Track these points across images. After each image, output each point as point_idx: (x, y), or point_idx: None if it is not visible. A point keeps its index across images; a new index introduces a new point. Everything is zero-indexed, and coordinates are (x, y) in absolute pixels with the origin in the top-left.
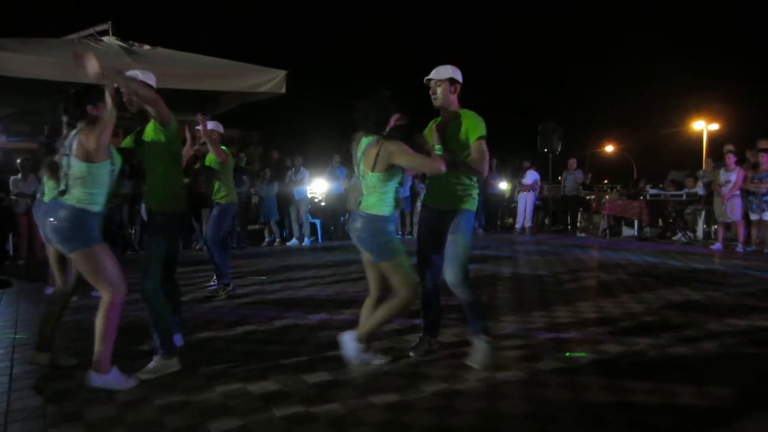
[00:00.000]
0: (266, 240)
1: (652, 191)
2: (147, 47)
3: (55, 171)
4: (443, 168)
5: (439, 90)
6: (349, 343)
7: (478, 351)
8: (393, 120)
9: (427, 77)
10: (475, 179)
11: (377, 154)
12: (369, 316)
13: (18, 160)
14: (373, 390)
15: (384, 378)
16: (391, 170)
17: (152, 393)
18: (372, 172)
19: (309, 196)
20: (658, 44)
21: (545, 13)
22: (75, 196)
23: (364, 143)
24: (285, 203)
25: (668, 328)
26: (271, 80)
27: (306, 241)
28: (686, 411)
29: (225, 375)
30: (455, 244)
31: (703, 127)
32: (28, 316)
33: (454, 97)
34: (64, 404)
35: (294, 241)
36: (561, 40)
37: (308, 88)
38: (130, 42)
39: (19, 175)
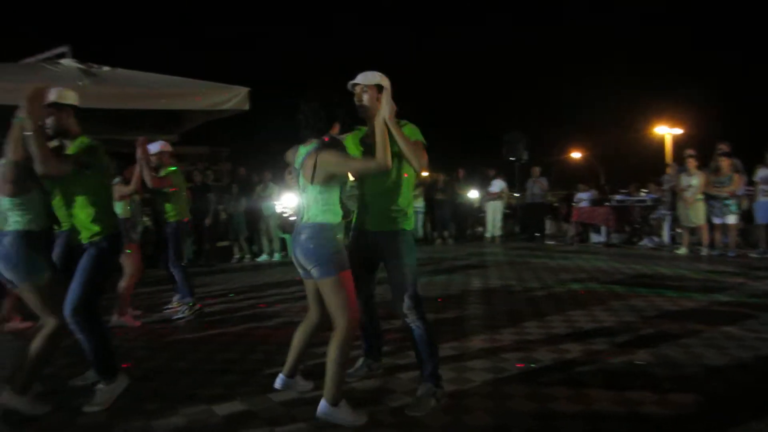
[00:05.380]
0: (236, 257)
1: (618, 197)
2: (106, 68)
3: None
4: (387, 163)
5: (365, 96)
6: (325, 411)
7: (419, 401)
8: (336, 127)
9: (352, 81)
10: (407, 200)
11: (314, 166)
12: (327, 369)
13: None
14: None
15: (349, 394)
16: (331, 181)
17: (114, 418)
18: (311, 184)
19: (278, 211)
20: (621, 53)
21: (513, 24)
22: (12, 220)
23: (302, 153)
24: (254, 219)
25: (634, 336)
26: (234, 97)
27: (276, 257)
28: (649, 419)
29: (190, 397)
30: (399, 270)
31: (665, 131)
32: None
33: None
34: None
35: (264, 257)
36: (527, 49)
37: (277, 104)
38: (89, 64)
39: None
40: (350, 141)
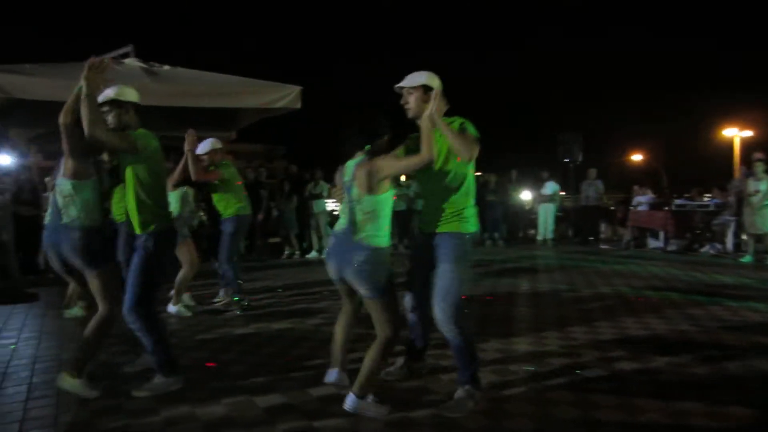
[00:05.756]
0: (286, 252)
1: (679, 201)
2: (167, 67)
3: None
4: (431, 156)
5: (411, 99)
6: (353, 403)
7: (457, 403)
8: (383, 141)
9: (397, 85)
10: (463, 201)
11: (368, 174)
12: (361, 367)
13: (46, 179)
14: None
15: (387, 393)
16: (385, 187)
17: (160, 404)
18: (368, 195)
19: (328, 208)
20: (686, 48)
21: (576, 25)
22: (71, 216)
23: (350, 167)
24: (305, 216)
25: (689, 346)
26: (286, 96)
27: (325, 254)
28: None
29: (232, 387)
30: (443, 276)
31: (735, 134)
32: (52, 328)
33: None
34: (77, 414)
35: (313, 254)
36: (585, 48)
37: (334, 103)
38: (151, 63)
39: (49, 193)
40: (402, 151)
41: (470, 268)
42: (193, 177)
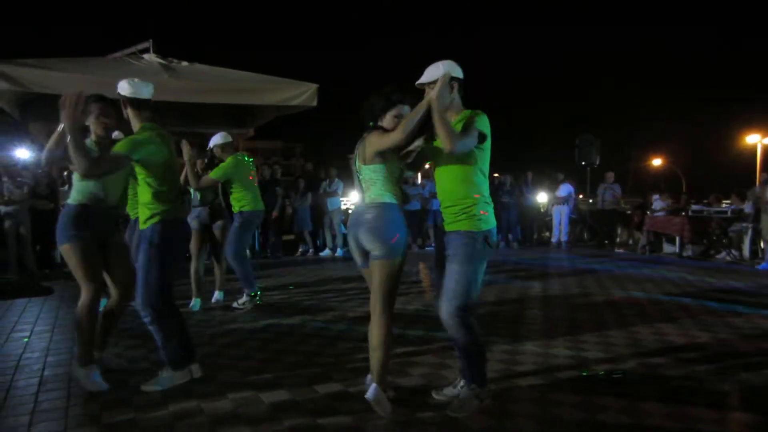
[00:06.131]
0: (300, 250)
1: (695, 207)
2: (185, 63)
3: None
4: (402, 136)
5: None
6: (374, 392)
7: (461, 402)
8: (388, 115)
9: (418, 82)
10: (477, 194)
11: (364, 147)
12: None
13: (65, 173)
14: None
15: (393, 391)
16: (379, 159)
17: (168, 398)
18: (365, 165)
19: (343, 207)
20: (709, 52)
21: (598, 26)
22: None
23: (359, 144)
24: (319, 214)
25: (700, 352)
26: (302, 94)
27: (339, 252)
28: None
29: (240, 383)
30: (450, 276)
31: (757, 140)
32: (65, 321)
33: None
34: (86, 407)
35: (327, 252)
36: (604, 51)
37: (349, 100)
38: (169, 59)
39: (66, 187)
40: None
41: (482, 269)
42: (192, 186)
